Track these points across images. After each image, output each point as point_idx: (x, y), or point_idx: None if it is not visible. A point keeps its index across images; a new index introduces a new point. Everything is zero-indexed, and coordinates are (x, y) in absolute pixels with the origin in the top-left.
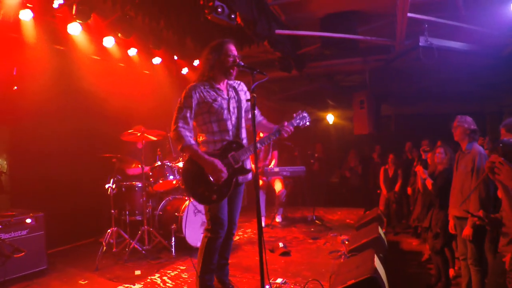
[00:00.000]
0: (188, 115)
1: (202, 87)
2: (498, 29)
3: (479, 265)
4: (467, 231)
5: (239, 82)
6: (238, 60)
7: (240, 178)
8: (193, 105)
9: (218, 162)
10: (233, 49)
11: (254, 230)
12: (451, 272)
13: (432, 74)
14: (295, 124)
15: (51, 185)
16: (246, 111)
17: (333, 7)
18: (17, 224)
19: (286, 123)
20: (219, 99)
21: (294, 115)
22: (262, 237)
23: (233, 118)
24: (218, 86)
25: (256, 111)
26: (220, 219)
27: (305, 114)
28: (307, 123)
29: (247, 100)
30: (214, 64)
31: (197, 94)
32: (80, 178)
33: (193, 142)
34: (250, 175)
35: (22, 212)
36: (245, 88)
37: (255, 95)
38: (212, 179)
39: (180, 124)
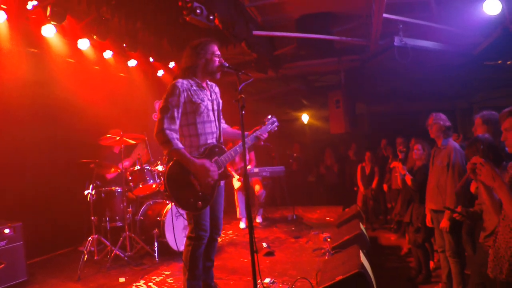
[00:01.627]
0: (175, 114)
1: (188, 85)
2: (470, 29)
3: (457, 256)
4: (444, 223)
5: (212, 83)
6: (223, 61)
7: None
8: (180, 104)
9: (209, 164)
10: (217, 50)
11: (235, 231)
12: (431, 265)
13: (405, 73)
14: (268, 130)
15: (28, 194)
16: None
17: (308, 9)
18: None
19: (259, 132)
20: (205, 99)
21: (265, 120)
22: (254, 238)
23: (216, 120)
24: (203, 85)
25: (221, 117)
26: (204, 225)
27: (274, 119)
28: (276, 128)
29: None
30: (199, 62)
31: (185, 93)
32: (58, 185)
33: (181, 145)
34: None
35: (0, 222)
36: (217, 90)
37: (243, 96)
38: (198, 185)
39: (166, 126)
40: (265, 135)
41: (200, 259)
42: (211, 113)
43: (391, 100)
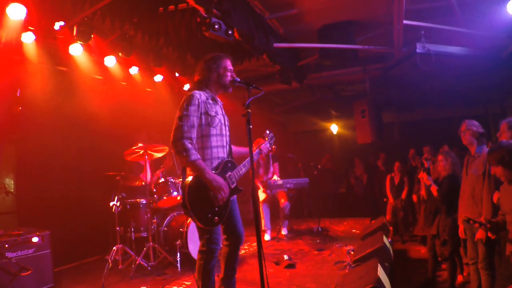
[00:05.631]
0: (195, 123)
1: (205, 98)
2: (495, 31)
3: (490, 269)
4: (481, 234)
5: (218, 99)
6: (235, 76)
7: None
8: (198, 115)
9: (222, 181)
10: (230, 64)
11: None
12: (460, 278)
13: (432, 79)
14: (267, 146)
15: (56, 204)
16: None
17: (328, 18)
18: (24, 242)
19: (262, 146)
20: (219, 112)
21: (265, 136)
22: (262, 250)
23: (227, 135)
24: (216, 99)
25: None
26: (216, 239)
27: (272, 134)
28: (273, 143)
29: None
30: (212, 76)
31: (202, 104)
32: (85, 196)
33: (199, 157)
34: None
35: (29, 231)
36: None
37: (249, 110)
38: (215, 200)
39: (186, 135)
40: (265, 151)
41: (213, 272)
42: (223, 127)
43: (420, 107)
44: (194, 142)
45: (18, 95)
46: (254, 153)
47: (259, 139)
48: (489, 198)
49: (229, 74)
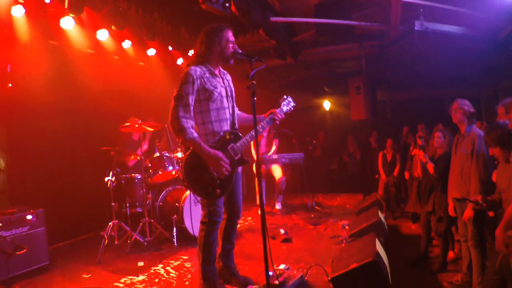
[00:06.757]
0: (190, 102)
1: (202, 72)
2: (493, 13)
3: (480, 246)
4: (468, 213)
5: (224, 71)
6: (236, 48)
7: (239, 168)
8: (194, 92)
9: (222, 156)
10: (232, 36)
11: (254, 218)
12: (451, 255)
13: (427, 59)
14: (284, 111)
15: (50, 181)
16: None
17: None
18: (18, 221)
19: (277, 111)
20: (218, 86)
21: (281, 101)
22: (265, 225)
23: (230, 107)
24: (216, 72)
25: (235, 104)
26: (218, 211)
27: (290, 99)
28: (292, 108)
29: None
30: (214, 49)
31: (198, 80)
32: (79, 172)
33: (196, 134)
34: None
35: (23, 209)
36: (229, 77)
37: (254, 82)
38: (215, 173)
39: (181, 114)
40: (281, 116)
41: (214, 244)
42: (224, 100)
43: (413, 86)
44: (192, 118)
45: (8, 70)
46: (265, 120)
47: (273, 110)
48: (477, 177)
49: (231, 46)
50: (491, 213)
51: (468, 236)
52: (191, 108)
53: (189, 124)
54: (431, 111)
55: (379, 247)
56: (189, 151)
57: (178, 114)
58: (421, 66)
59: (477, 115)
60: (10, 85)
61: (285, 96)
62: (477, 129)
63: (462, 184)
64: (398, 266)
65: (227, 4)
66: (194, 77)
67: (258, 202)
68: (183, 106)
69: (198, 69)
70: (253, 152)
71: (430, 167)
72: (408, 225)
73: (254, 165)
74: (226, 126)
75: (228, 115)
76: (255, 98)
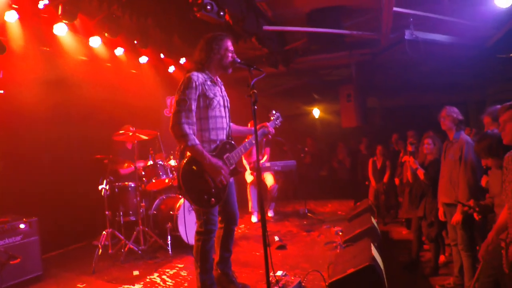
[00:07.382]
0: (193, 108)
1: (203, 79)
2: (482, 22)
3: (469, 250)
4: (457, 217)
5: (219, 80)
6: (235, 57)
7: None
8: (196, 98)
9: (222, 165)
10: (231, 45)
11: (247, 225)
12: (442, 258)
13: (417, 66)
14: (274, 125)
15: (42, 190)
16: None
17: (318, 3)
18: (11, 230)
19: (268, 124)
20: (218, 94)
21: (270, 116)
22: (266, 231)
23: (227, 117)
24: (215, 80)
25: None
26: (213, 220)
27: (278, 114)
28: (279, 123)
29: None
30: (213, 57)
31: (200, 87)
32: (73, 181)
33: (197, 141)
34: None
35: (15, 218)
36: (223, 88)
37: (255, 91)
38: (211, 182)
39: (184, 120)
40: (272, 131)
41: (210, 253)
42: (222, 109)
43: (402, 93)
44: (194, 123)
45: (0, 76)
46: (258, 132)
47: (264, 123)
48: (465, 182)
49: (230, 55)
50: (477, 217)
51: (458, 240)
52: (193, 114)
53: (191, 130)
54: (420, 117)
55: (375, 252)
56: (186, 158)
57: (181, 120)
58: (411, 74)
59: (465, 122)
60: (2, 91)
61: (274, 111)
62: (465, 135)
63: (451, 189)
64: (391, 270)
65: (221, 13)
66: (197, 83)
67: (250, 209)
68: (186, 111)
69: (200, 75)
70: (244, 161)
71: (421, 173)
72: (399, 231)
73: (245, 174)
74: (223, 135)
75: (225, 125)
76: (256, 107)
